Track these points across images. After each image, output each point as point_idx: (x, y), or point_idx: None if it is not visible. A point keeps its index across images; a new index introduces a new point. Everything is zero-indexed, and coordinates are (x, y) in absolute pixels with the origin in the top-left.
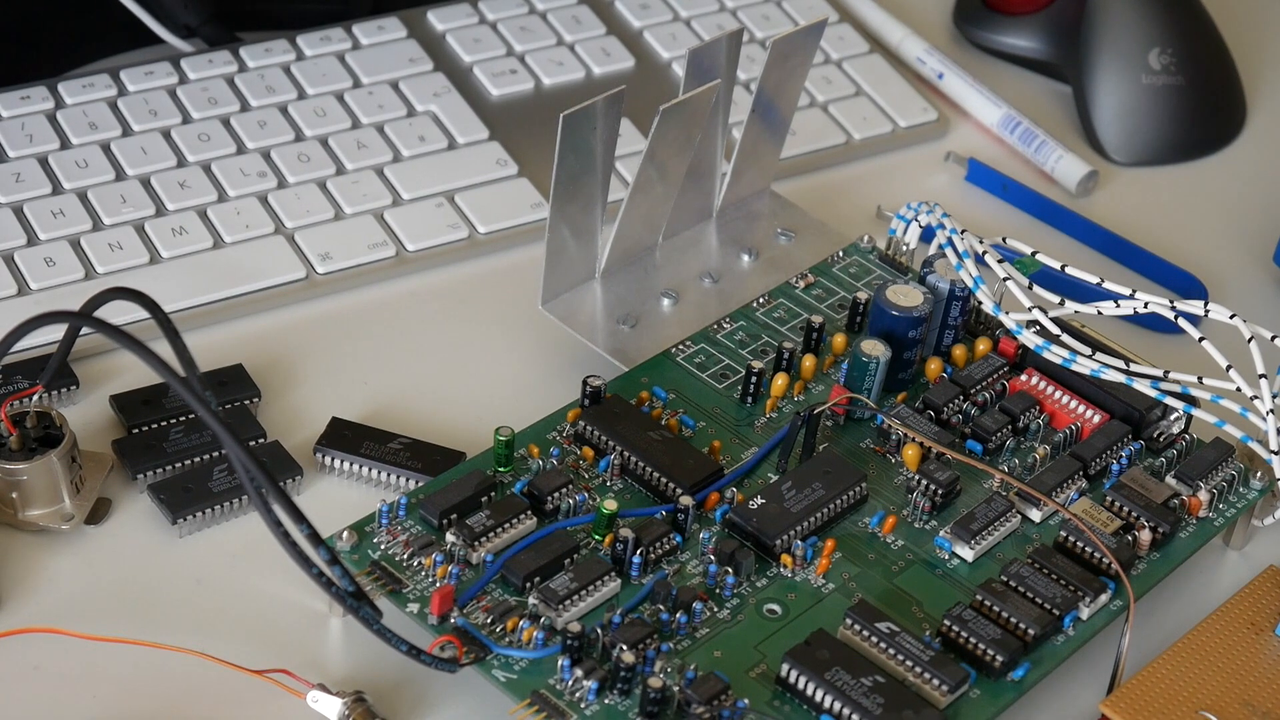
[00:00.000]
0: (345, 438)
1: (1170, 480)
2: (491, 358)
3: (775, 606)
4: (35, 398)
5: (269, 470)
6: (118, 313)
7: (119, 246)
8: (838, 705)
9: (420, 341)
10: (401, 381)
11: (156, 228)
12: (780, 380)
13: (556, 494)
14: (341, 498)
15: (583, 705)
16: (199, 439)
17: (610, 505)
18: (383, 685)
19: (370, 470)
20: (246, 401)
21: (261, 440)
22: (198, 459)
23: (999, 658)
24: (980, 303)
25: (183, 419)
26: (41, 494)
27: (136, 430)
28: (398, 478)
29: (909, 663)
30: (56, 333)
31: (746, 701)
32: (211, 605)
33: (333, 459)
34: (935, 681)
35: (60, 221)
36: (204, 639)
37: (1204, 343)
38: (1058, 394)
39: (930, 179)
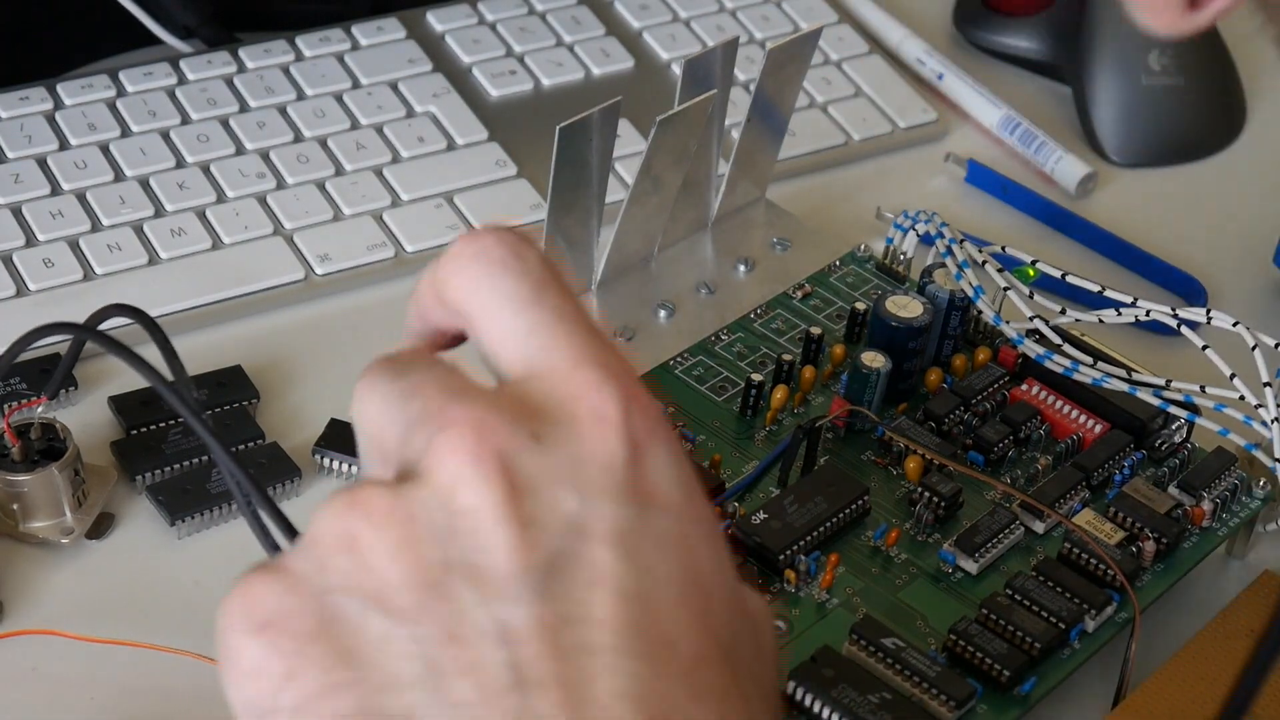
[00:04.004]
0: (344, 439)
1: (1173, 490)
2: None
3: (779, 623)
4: (40, 409)
5: (271, 499)
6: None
7: (118, 247)
8: None
9: None
10: None
11: (155, 229)
12: (780, 392)
13: None
14: None
15: None
16: (198, 441)
17: None
18: None
19: None
20: (245, 403)
21: (260, 442)
22: (196, 460)
23: (1005, 672)
24: (980, 312)
25: (181, 420)
26: (43, 506)
27: (135, 432)
28: None
29: (915, 679)
30: (56, 335)
31: None
32: (210, 607)
33: (331, 460)
34: (942, 697)
35: (59, 222)
36: (202, 641)
37: (1208, 351)
38: (1058, 403)
39: (930, 180)
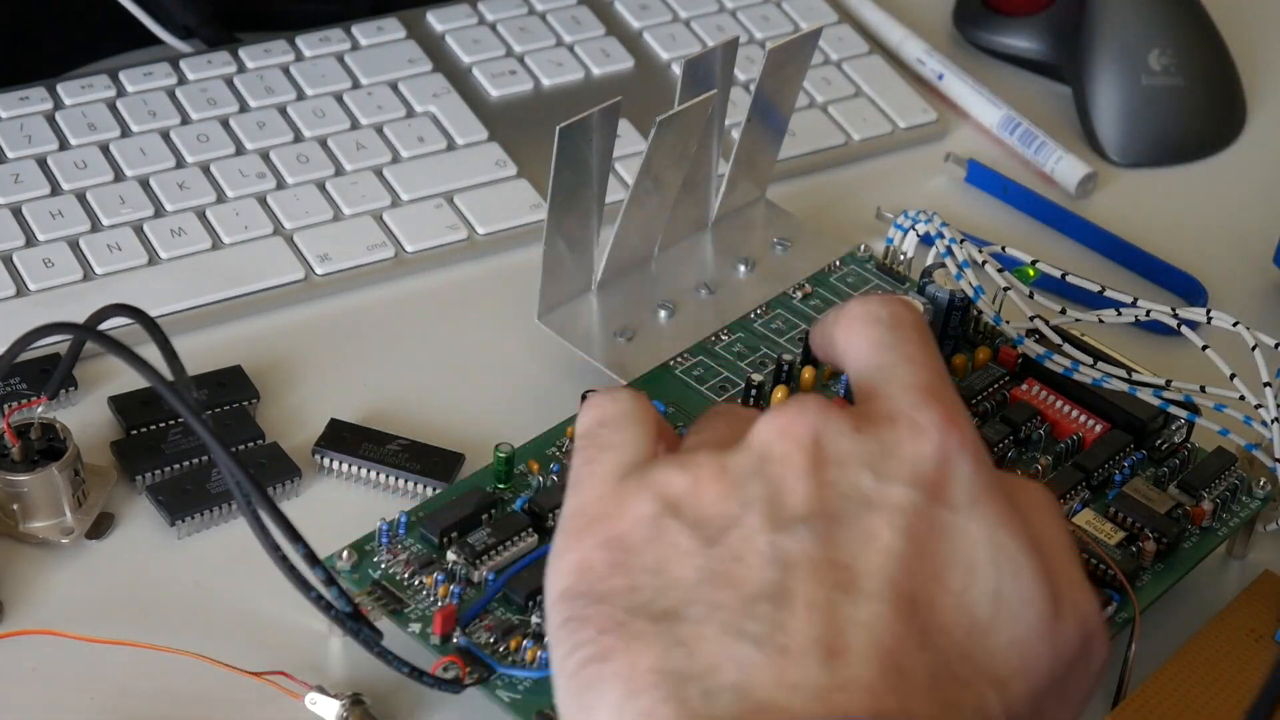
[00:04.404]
0: (344, 439)
1: (1173, 490)
2: (490, 359)
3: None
4: (40, 409)
5: (271, 499)
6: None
7: (118, 247)
8: None
9: (419, 343)
10: (400, 383)
11: (155, 229)
12: (780, 393)
13: (557, 511)
14: (340, 499)
15: None
16: (198, 441)
17: None
18: (381, 687)
19: (369, 472)
20: (245, 403)
21: (260, 442)
22: (196, 460)
23: None
24: (980, 312)
25: (181, 420)
26: (43, 506)
27: (135, 432)
28: (397, 479)
29: None
30: (56, 335)
31: None
32: (210, 607)
33: (331, 460)
34: None
35: (59, 222)
36: (202, 641)
37: (1208, 351)
38: (1059, 403)
39: (930, 180)
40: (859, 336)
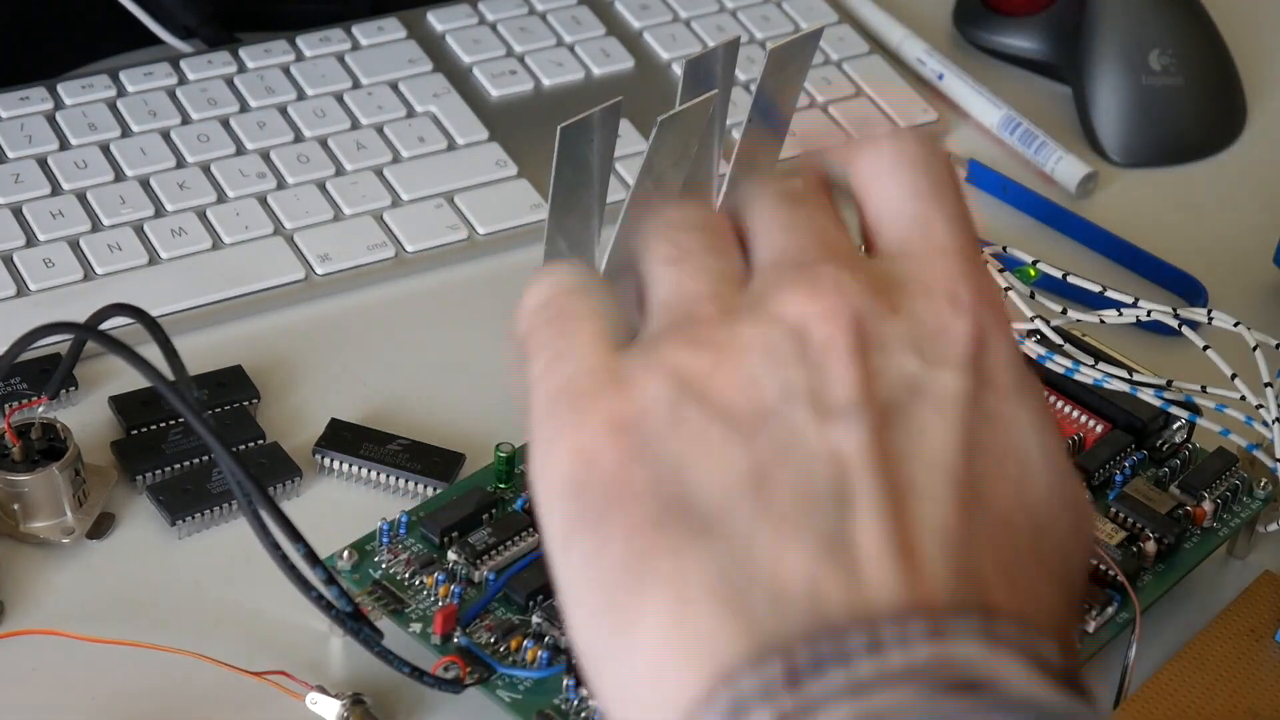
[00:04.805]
0: (344, 439)
1: (1174, 490)
2: (491, 359)
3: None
4: (40, 409)
5: (272, 499)
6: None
7: (118, 247)
8: None
9: (419, 342)
10: (401, 383)
11: (156, 228)
12: None
13: None
14: (341, 499)
15: None
16: (198, 441)
17: None
18: (382, 687)
19: (370, 472)
20: (245, 403)
21: (260, 442)
22: (197, 460)
23: None
24: None
25: (182, 420)
26: (43, 506)
27: (135, 432)
28: (397, 479)
29: None
30: (57, 334)
31: None
32: (210, 607)
33: (332, 460)
34: None
35: (59, 222)
36: (202, 641)
37: (1209, 351)
38: (1060, 404)
39: None
40: (891, 177)
